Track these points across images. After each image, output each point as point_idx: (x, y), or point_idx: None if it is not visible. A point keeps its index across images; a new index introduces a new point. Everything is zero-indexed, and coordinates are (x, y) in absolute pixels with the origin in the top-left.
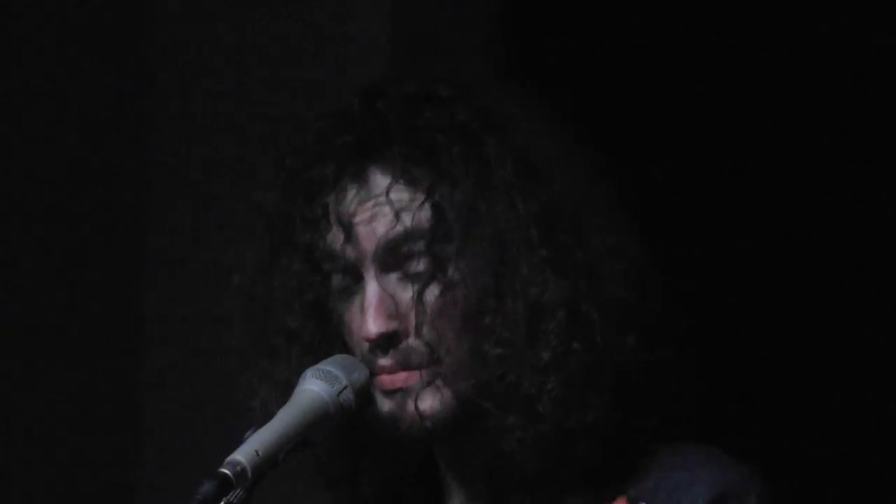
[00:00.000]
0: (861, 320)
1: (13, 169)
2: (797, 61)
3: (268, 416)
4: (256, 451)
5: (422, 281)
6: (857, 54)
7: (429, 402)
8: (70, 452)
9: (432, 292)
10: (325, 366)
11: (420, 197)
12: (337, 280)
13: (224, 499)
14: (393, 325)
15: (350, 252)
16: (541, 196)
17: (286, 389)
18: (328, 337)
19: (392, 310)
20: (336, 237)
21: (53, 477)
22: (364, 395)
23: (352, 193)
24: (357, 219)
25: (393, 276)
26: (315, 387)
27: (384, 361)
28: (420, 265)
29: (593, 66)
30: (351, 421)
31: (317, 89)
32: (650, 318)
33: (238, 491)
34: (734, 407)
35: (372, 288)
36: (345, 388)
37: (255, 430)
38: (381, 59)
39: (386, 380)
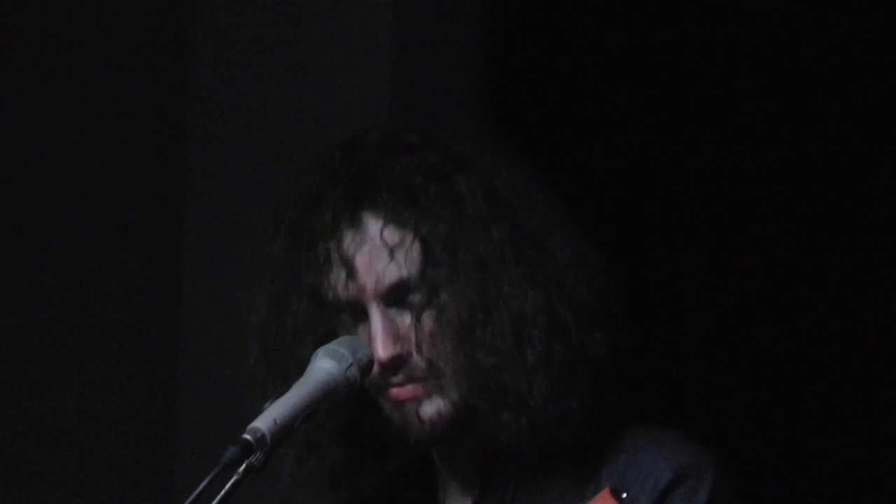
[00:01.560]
0: (827, 298)
1: (50, 165)
2: (796, 61)
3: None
4: (275, 420)
5: (418, 307)
6: (857, 54)
7: (430, 411)
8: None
9: (429, 315)
10: (334, 346)
11: (409, 235)
12: (343, 315)
13: (246, 462)
14: (399, 349)
15: (352, 289)
16: (509, 220)
17: None
18: None
19: (396, 335)
20: (339, 276)
21: (92, 442)
22: (367, 371)
23: (349, 237)
24: (357, 260)
25: (393, 307)
26: (325, 364)
27: (395, 380)
28: (415, 295)
29: (576, 74)
30: (355, 394)
31: (329, 91)
32: (614, 315)
33: (258, 454)
34: (698, 392)
35: (376, 319)
36: (351, 365)
37: (273, 401)
38: (383, 82)
39: (395, 392)
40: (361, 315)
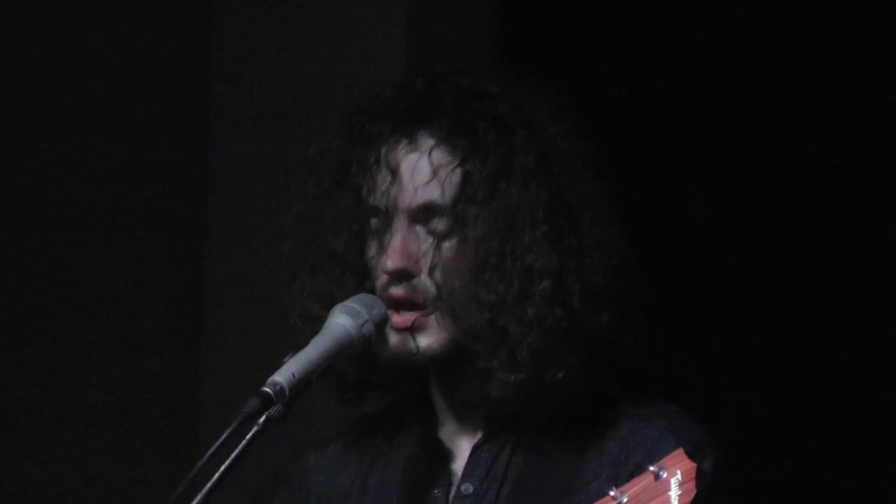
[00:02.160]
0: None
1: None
2: (796, 62)
3: (304, 338)
4: (293, 374)
5: (441, 234)
6: (857, 55)
7: (426, 341)
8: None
9: (449, 244)
10: (351, 303)
11: (455, 163)
12: (374, 222)
13: (266, 413)
14: (408, 264)
15: (390, 195)
16: (551, 186)
17: (324, 301)
18: (363, 266)
19: (411, 252)
20: (382, 179)
21: (121, 392)
22: (382, 326)
23: (401, 146)
24: (401, 167)
25: (417, 228)
26: (342, 320)
27: (395, 291)
28: (442, 221)
29: (600, 71)
30: (371, 348)
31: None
32: (626, 305)
33: (278, 406)
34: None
35: (399, 231)
36: (366, 321)
37: (292, 356)
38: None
39: (398, 320)
40: (387, 223)
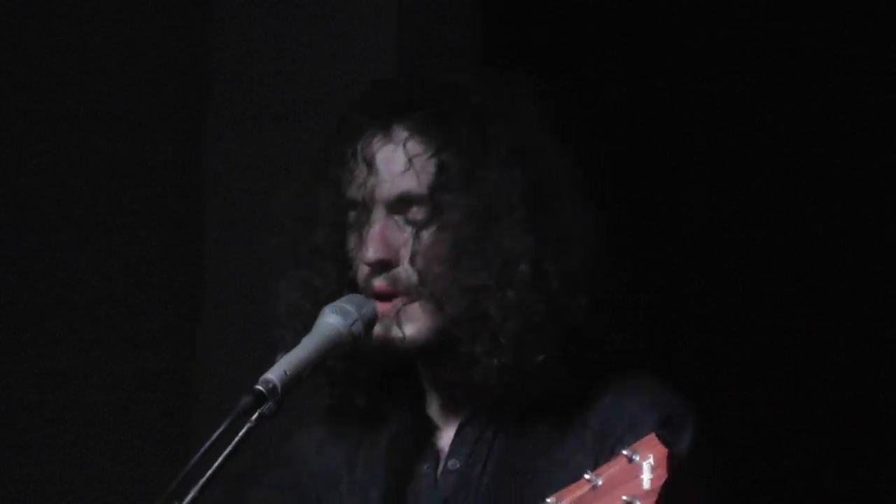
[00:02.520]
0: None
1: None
2: (796, 62)
3: (290, 330)
4: (285, 371)
5: (420, 223)
6: (857, 55)
7: (411, 329)
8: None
9: (428, 232)
10: (341, 303)
11: (430, 153)
12: (353, 215)
13: (259, 410)
14: (388, 254)
15: (368, 187)
16: (528, 173)
17: (309, 294)
18: (345, 258)
19: (390, 242)
20: (359, 172)
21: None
22: (371, 325)
23: (377, 139)
24: (377, 158)
25: (396, 218)
26: (332, 320)
27: (378, 283)
28: (420, 210)
29: (589, 63)
30: (360, 346)
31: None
32: (613, 304)
33: (270, 403)
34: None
35: (377, 222)
36: (356, 320)
37: (284, 354)
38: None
39: (383, 309)
40: (365, 214)
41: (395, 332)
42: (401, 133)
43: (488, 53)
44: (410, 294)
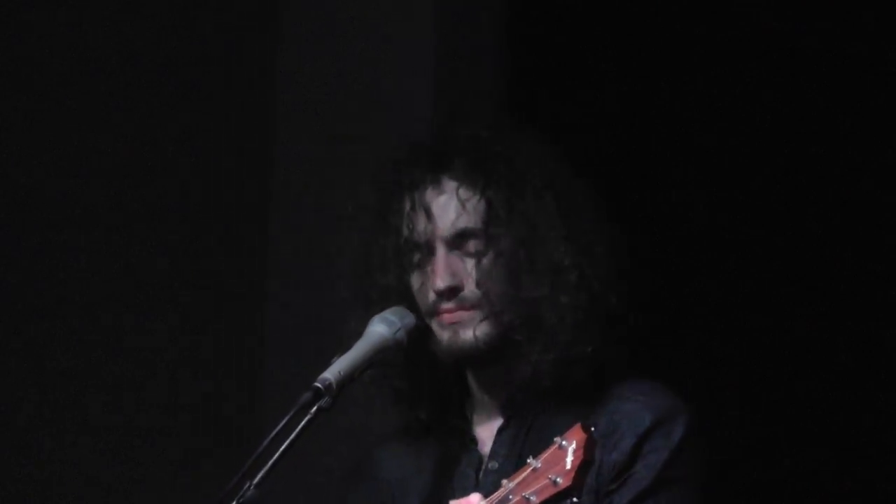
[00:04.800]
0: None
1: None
2: (796, 62)
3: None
4: (339, 371)
5: (478, 253)
6: (857, 55)
7: (476, 332)
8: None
9: (486, 259)
10: (386, 314)
11: (477, 195)
12: (416, 256)
13: (317, 404)
14: (454, 282)
15: (427, 231)
16: (555, 197)
17: None
18: (409, 295)
19: (455, 272)
20: (418, 220)
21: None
22: (411, 333)
23: (430, 191)
24: (434, 207)
25: (455, 253)
26: (379, 328)
27: (445, 305)
28: (477, 242)
29: (603, 76)
30: (403, 351)
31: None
32: (627, 286)
33: (326, 398)
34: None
35: (441, 256)
36: (399, 329)
37: (338, 357)
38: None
39: (446, 317)
40: (428, 254)
41: (467, 335)
42: (449, 182)
43: (507, 54)
44: (478, 309)
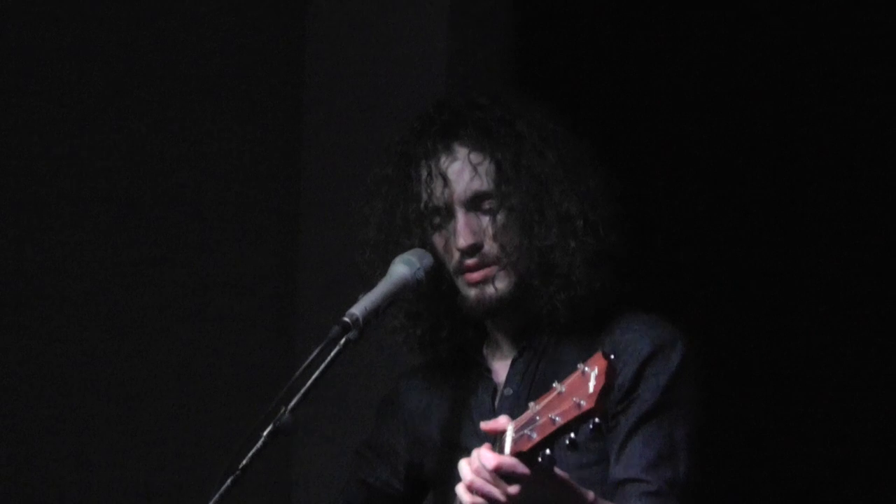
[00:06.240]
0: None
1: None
2: (796, 62)
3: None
4: (365, 307)
5: (492, 211)
6: (858, 55)
7: (498, 287)
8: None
9: (501, 216)
10: (407, 255)
11: (487, 158)
12: (436, 220)
13: (345, 336)
14: (475, 240)
15: (446, 195)
16: (556, 152)
17: None
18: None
19: (475, 230)
20: (436, 186)
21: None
22: (429, 273)
23: (444, 158)
24: (450, 173)
25: (473, 213)
26: (400, 268)
27: (470, 262)
28: (491, 202)
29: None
30: (421, 289)
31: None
32: (626, 228)
33: (354, 332)
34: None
35: (462, 218)
36: (418, 269)
37: (364, 294)
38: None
39: (471, 277)
40: (448, 216)
41: (490, 290)
42: (460, 149)
43: (515, 47)
44: (497, 263)
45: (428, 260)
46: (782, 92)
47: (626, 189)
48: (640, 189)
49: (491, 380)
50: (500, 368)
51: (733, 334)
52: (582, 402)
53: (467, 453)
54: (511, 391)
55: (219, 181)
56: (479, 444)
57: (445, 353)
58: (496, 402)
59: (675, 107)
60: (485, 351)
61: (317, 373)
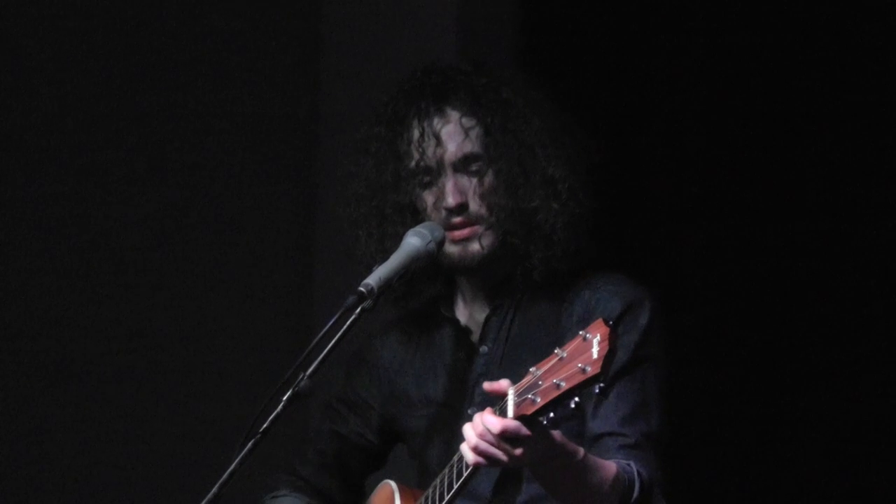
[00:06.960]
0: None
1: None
2: (796, 62)
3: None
4: (380, 277)
5: (480, 172)
6: (857, 55)
7: (483, 244)
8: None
9: (488, 178)
10: (419, 228)
11: (477, 122)
12: (426, 177)
13: (360, 305)
14: (463, 199)
15: (437, 154)
16: (540, 118)
17: (394, 239)
18: (422, 210)
19: (463, 190)
20: (428, 145)
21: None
22: (441, 244)
23: (437, 119)
24: (442, 134)
25: (461, 174)
26: (413, 240)
27: (456, 220)
28: (479, 164)
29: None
30: (433, 260)
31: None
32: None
33: (369, 301)
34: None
35: (451, 178)
36: (430, 241)
37: (378, 265)
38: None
39: (456, 234)
40: (437, 175)
41: (474, 247)
42: (452, 112)
43: (519, 43)
44: (482, 222)
45: (439, 233)
46: (786, 83)
47: (632, 184)
48: (648, 185)
49: (465, 337)
50: (474, 325)
51: (734, 334)
52: (587, 368)
53: (441, 408)
54: (486, 349)
55: (238, 155)
56: (452, 398)
57: (417, 304)
58: (475, 360)
59: (680, 103)
60: (455, 308)
61: (333, 340)
